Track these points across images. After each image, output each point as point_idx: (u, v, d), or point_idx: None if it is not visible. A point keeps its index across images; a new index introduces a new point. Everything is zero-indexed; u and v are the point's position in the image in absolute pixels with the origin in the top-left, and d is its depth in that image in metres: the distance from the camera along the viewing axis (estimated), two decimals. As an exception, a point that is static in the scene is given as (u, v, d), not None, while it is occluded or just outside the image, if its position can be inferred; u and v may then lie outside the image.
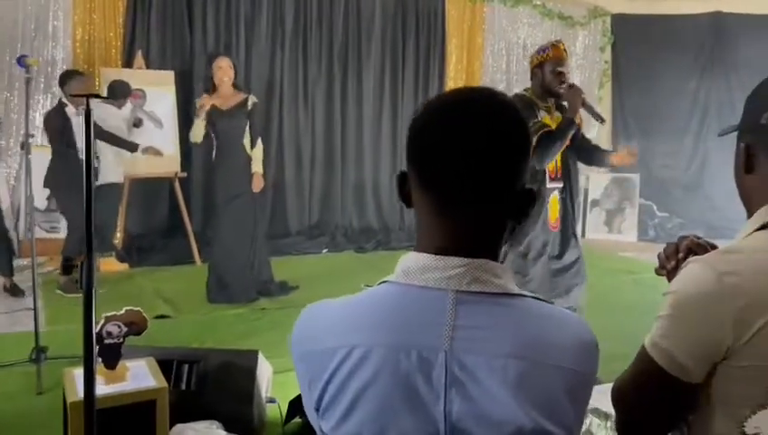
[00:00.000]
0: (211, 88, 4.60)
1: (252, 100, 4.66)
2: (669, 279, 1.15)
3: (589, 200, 8.07)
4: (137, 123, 5.41)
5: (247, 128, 4.63)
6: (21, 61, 3.21)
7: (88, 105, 1.51)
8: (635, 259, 6.74)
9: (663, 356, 0.98)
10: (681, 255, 1.16)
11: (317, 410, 0.87)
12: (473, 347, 0.80)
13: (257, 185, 4.64)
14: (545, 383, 0.80)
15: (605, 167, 3.68)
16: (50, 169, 4.82)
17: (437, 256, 0.84)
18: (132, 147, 5.17)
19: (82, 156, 4.71)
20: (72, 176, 4.69)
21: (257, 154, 4.68)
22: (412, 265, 0.86)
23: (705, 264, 0.98)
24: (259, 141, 4.70)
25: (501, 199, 0.86)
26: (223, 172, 4.60)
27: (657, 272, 1.22)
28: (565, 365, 0.82)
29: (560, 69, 3.00)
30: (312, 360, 0.87)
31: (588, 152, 3.28)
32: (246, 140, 4.63)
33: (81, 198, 5.68)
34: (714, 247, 1.15)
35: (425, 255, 0.85)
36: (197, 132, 4.56)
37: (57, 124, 4.77)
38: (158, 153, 5.77)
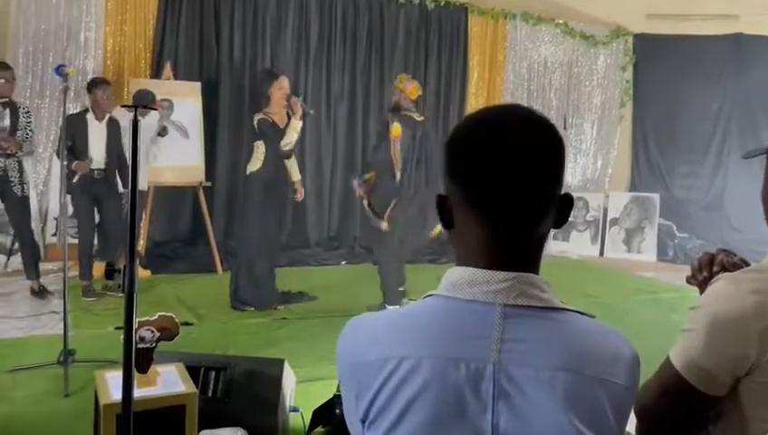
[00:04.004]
0: (265, 103, 4.71)
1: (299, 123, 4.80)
2: (700, 289, 1.18)
3: (608, 219, 8.04)
4: (162, 132, 5.49)
5: None
6: (59, 70, 3.30)
7: (136, 115, 1.56)
8: (654, 279, 6.70)
9: (692, 370, 1.01)
10: (716, 268, 1.19)
11: (363, 421, 0.87)
12: (521, 360, 0.81)
13: (300, 193, 4.94)
14: (592, 397, 0.81)
15: None
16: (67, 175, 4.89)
17: (485, 271, 0.85)
18: None
19: (94, 165, 4.77)
20: (83, 181, 4.75)
21: (293, 163, 4.88)
22: (459, 278, 0.87)
23: (733, 281, 1.02)
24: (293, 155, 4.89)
25: (549, 211, 0.88)
26: (264, 183, 4.63)
27: (688, 280, 1.24)
28: (611, 379, 0.83)
29: None
30: (360, 371, 0.87)
31: None
32: None
33: (89, 203, 5.67)
34: (746, 264, 1.18)
35: (472, 269, 0.86)
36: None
37: (75, 128, 4.80)
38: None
